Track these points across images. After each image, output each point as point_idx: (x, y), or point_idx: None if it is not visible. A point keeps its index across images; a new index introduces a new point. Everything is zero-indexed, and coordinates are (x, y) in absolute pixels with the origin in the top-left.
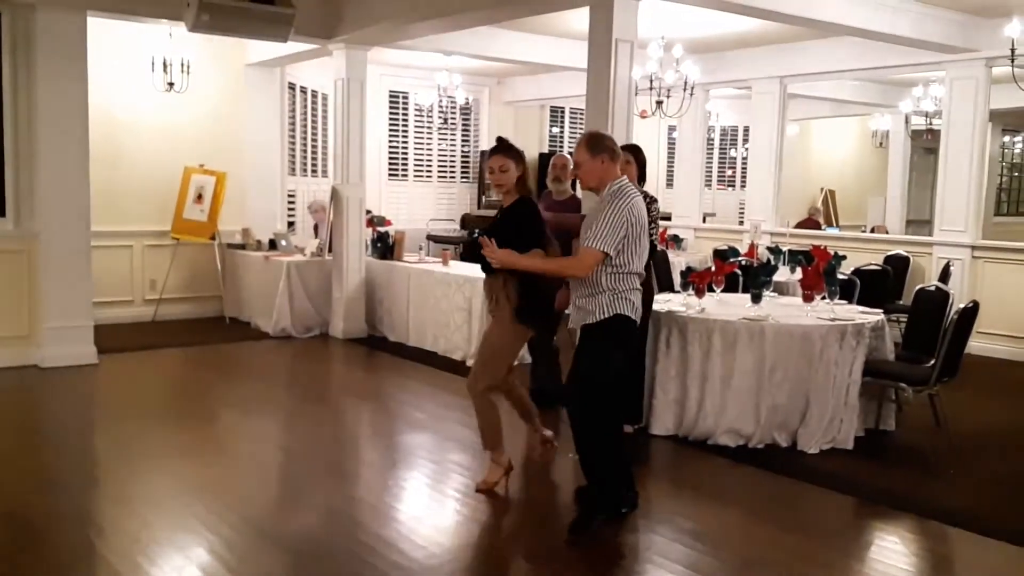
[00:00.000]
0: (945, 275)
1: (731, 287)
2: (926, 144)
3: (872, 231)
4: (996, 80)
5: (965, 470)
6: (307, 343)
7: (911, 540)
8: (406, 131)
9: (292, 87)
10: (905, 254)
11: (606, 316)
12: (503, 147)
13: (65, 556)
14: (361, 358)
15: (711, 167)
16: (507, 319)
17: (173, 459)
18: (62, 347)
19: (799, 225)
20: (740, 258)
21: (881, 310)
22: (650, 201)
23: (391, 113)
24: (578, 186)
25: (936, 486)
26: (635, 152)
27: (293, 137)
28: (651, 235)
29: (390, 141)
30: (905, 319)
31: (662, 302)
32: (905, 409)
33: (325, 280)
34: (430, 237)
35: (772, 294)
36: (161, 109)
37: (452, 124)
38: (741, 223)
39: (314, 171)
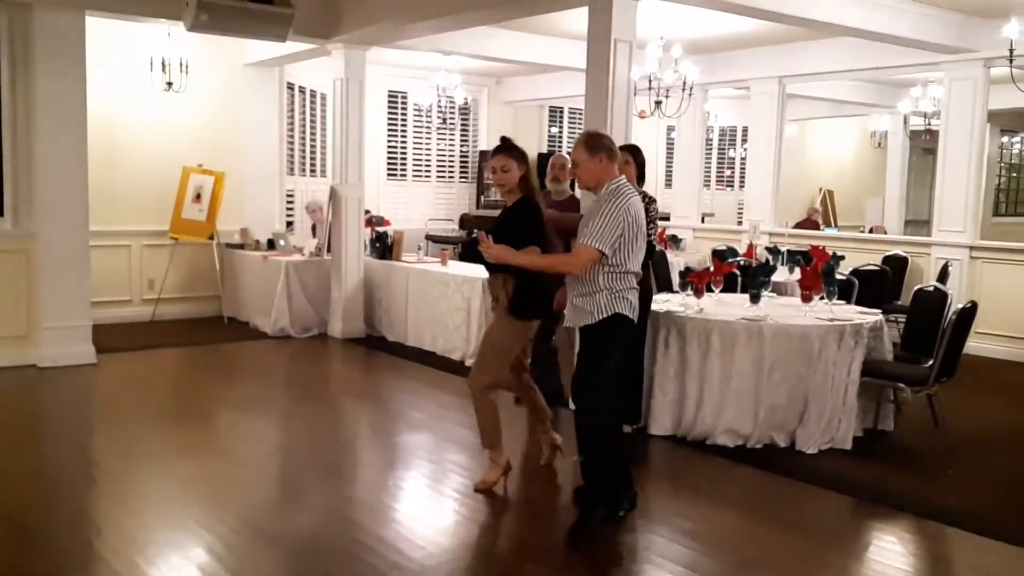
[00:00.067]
0: (943, 275)
1: (730, 287)
2: (924, 144)
3: (871, 231)
4: (995, 80)
5: (963, 470)
6: (305, 343)
7: (909, 540)
8: (405, 131)
9: (291, 87)
10: (903, 254)
11: (605, 316)
12: (505, 147)
13: (63, 556)
14: (360, 358)
15: (710, 167)
16: (507, 317)
17: (171, 459)
18: (60, 347)
19: (798, 225)
20: (739, 258)
21: (879, 310)
22: (649, 201)
23: (390, 113)
24: (576, 185)
25: (934, 486)
26: (634, 152)
27: (292, 137)
28: (650, 235)
29: (389, 141)
30: (903, 319)
31: (661, 302)
32: (904, 409)
33: (324, 280)
34: (429, 237)
35: (771, 294)
36: (160, 109)
37: (451, 124)
38: (740, 223)
39: (313, 171)
